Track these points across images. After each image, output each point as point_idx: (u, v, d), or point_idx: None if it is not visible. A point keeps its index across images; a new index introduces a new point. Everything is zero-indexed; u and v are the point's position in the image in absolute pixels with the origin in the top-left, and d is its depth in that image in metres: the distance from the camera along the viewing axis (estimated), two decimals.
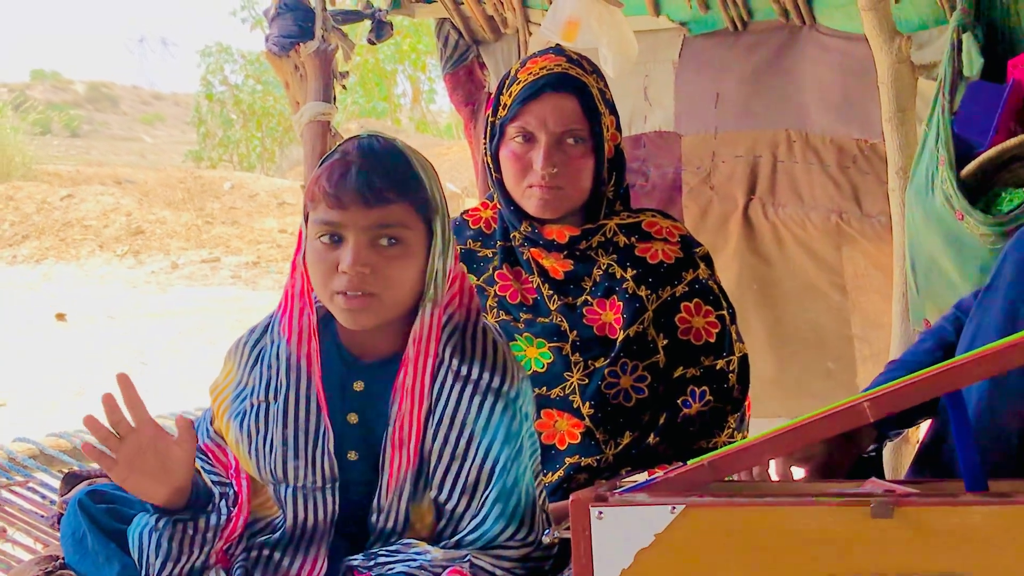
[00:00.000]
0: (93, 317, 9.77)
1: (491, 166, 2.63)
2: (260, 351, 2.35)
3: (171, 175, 15.99)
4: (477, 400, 2.21)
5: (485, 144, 2.64)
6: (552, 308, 2.61)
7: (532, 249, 2.62)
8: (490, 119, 2.61)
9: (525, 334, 2.61)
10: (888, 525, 1.67)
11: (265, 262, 11.60)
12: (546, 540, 2.31)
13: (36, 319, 9.71)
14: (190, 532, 2.27)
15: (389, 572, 2.18)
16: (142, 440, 2.16)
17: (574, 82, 2.57)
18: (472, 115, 4.07)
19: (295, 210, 13.57)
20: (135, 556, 2.30)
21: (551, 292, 2.62)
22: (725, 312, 2.66)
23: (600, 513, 1.93)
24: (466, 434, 2.22)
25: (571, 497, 2.00)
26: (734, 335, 2.66)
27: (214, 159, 21.80)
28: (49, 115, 33.06)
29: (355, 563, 2.24)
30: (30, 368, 8.08)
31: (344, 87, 4.17)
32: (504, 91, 2.58)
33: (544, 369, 2.59)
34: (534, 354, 2.59)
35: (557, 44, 2.83)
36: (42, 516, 3.01)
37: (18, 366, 8.10)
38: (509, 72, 2.60)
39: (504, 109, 2.55)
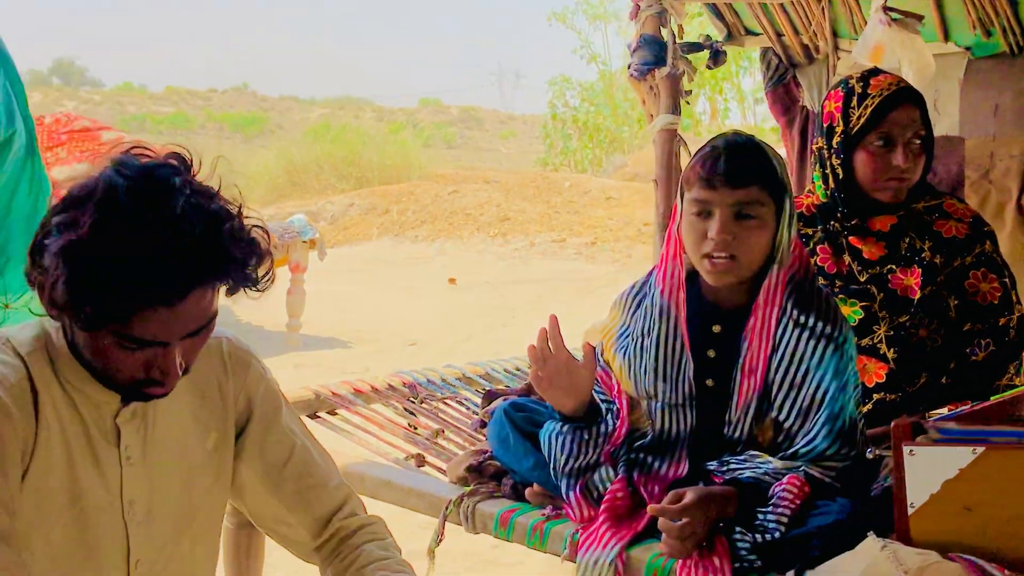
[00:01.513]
0: (474, 282, 10.04)
1: (836, 168, 2.55)
2: (639, 300, 2.39)
3: (525, 176, 16.25)
4: (812, 343, 2.19)
5: (830, 151, 2.55)
6: (862, 277, 2.56)
7: (852, 237, 2.57)
8: (838, 130, 2.52)
9: (839, 296, 2.57)
10: None
11: (599, 242, 11.68)
12: (869, 456, 2.29)
13: (433, 283, 10.05)
14: (586, 436, 2.32)
15: (739, 475, 2.18)
16: (560, 363, 2.22)
17: (916, 95, 2.51)
18: (788, 123, 4.02)
19: (618, 203, 13.62)
20: (545, 452, 2.37)
21: (861, 267, 2.56)
22: (1007, 279, 2.56)
23: (911, 451, 1.90)
24: (803, 369, 2.19)
25: (893, 424, 1.96)
26: (1014, 298, 2.56)
27: (556, 164, 22.12)
28: (433, 132, 34.18)
29: (711, 467, 2.24)
30: (431, 318, 8.37)
31: (688, 103, 4.19)
32: (855, 106, 2.50)
33: (855, 323, 2.54)
34: (847, 312, 2.54)
35: (873, 67, 2.75)
36: (467, 422, 3.11)
37: (422, 317, 8.41)
38: (851, 90, 2.52)
39: (860, 120, 2.48)
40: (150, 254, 1.42)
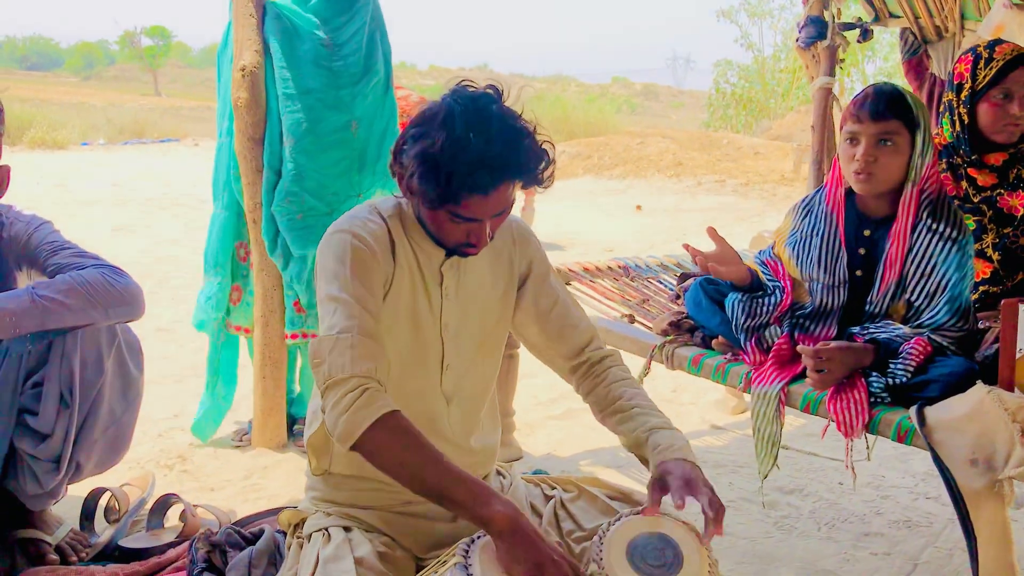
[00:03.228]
0: (655, 209, 9.93)
1: (963, 115, 2.46)
2: (808, 209, 2.40)
3: (693, 134, 15.83)
4: (941, 244, 2.16)
5: (959, 102, 2.45)
6: (976, 199, 2.48)
7: (970, 168, 2.49)
8: (967, 86, 2.43)
9: None
10: None
11: (752, 184, 11.36)
12: (981, 326, 2.25)
13: (624, 209, 9.99)
14: (759, 302, 2.36)
15: (876, 335, 2.19)
16: (719, 251, 2.38)
17: None
18: (919, 87, 3.81)
19: (764, 157, 13.18)
20: (728, 313, 2.43)
21: (975, 191, 2.48)
22: None
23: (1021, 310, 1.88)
24: (932, 263, 2.17)
25: (1003, 301, 1.94)
26: None
27: (716, 126, 21.57)
28: (621, 102, 33.65)
29: (854, 331, 2.25)
30: (623, 234, 8.35)
31: (841, 69, 4.08)
32: (982, 67, 2.40)
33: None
34: None
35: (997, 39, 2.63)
36: (664, 295, 3.15)
37: (616, 232, 8.41)
38: (979, 55, 2.42)
39: (985, 78, 2.39)
40: (475, 157, 1.54)
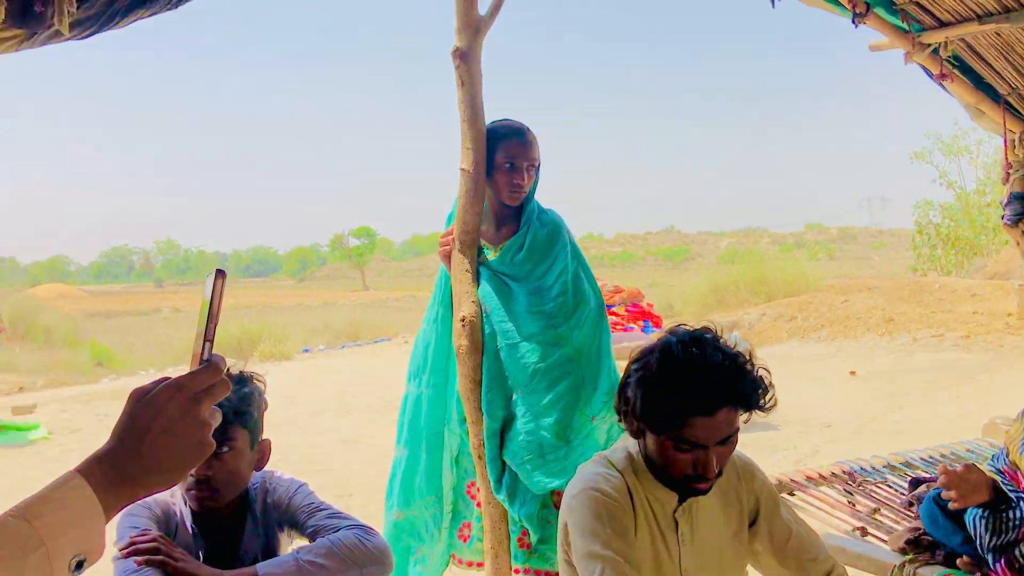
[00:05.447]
0: (870, 374, 9.43)
1: None
2: None
3: (899, 281, 15.26)
4: None
5: None
6: None
7: None
8: None
9: None
10: None
11: (974, 336, 10.70)
12: None
13: (836, 375, 9.58)
14: (1004, 517, 2.26)
15: None
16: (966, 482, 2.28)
17: None
18: None
19: (982, 299, 12.53)
20: (970, 531, 2.33)
21: None
22: None
23: None
24: None
25: None
26: None
27: (923, 269, 20.66)
28: (817, 249, 33.06)
29: None
30: (840, 404, 7.94)
31: None
32: None
33: None
34: None
35: None
36: (896, 501, 3.03)
37: (832, 403, 7.99)
38: None
39: None
40: (696, 379, 1.68)
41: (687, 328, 1.81)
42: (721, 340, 1.78)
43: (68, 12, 1.96)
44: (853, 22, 3.60)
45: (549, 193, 3.31)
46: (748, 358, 1.76)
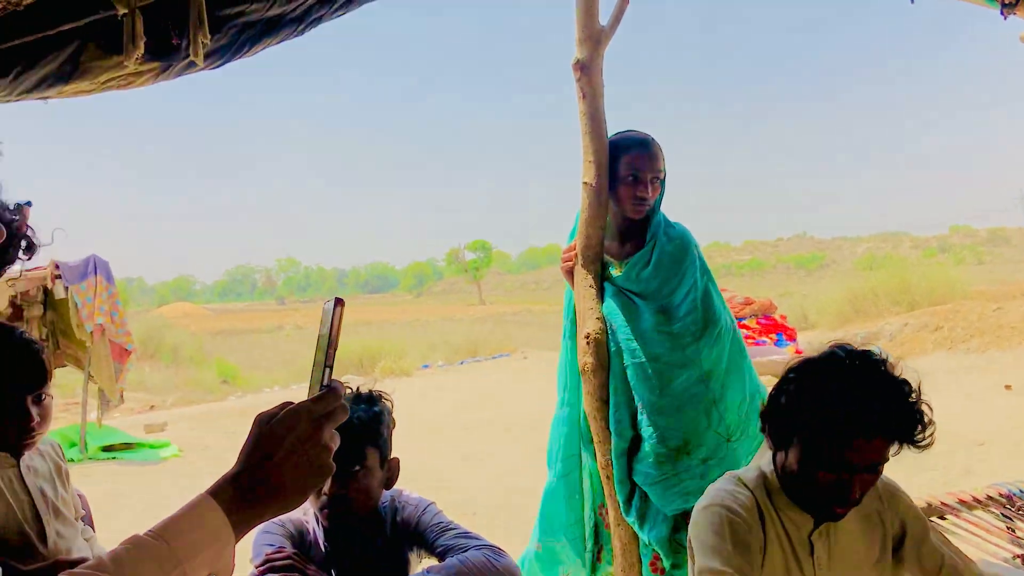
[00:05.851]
0: None
1: None
2: None
3: None
4: None
5: None
6: None
7: None
8: None
9: None
10: None
11: None
12: None
13: (987, 391, 9.02)
14: None
15: None
16: None
17: None
18: None
19: None
20: None
21: None
22: None
23: None
24: None
25: None
26: None
27: None
28: (964, 253, 31.48)
29: None
30: (994, 421, 7.49)
31: None
32: None
33: None
34: None
35: None
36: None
37: (985, 420, 7.53)
38: None
39: None
40: (863, 401, 1.61)
41: (852, 346, 1.72)
42: (887, 364, 1.70)
43: (202, 43, 2.05)
44: (1001, 13, 3.40)
45: (673, 201, 3.23)
46: (915, 388, 1.68)
